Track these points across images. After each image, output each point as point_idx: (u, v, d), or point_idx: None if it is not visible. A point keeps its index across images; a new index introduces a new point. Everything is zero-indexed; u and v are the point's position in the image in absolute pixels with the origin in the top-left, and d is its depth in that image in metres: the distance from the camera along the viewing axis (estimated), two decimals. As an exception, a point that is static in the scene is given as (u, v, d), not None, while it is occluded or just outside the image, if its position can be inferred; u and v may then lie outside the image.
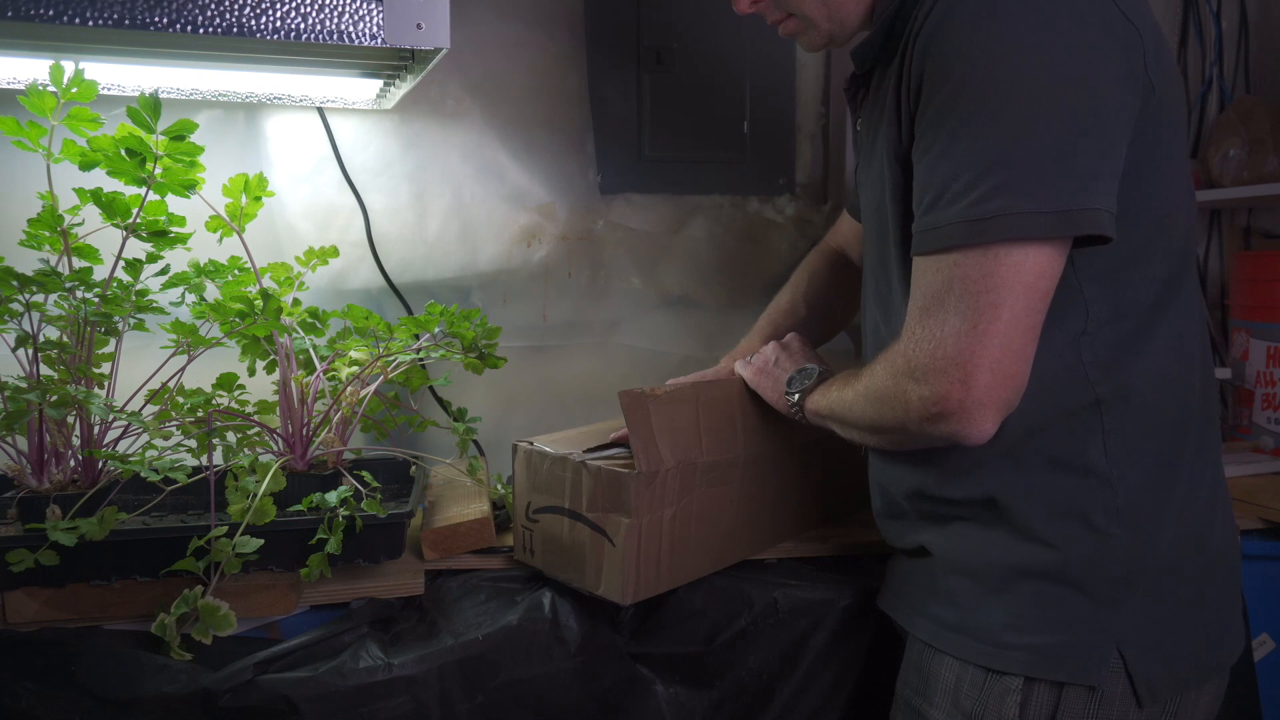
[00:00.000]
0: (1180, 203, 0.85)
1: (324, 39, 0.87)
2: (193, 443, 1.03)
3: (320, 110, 1.35)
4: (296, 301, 1.14)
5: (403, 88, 1.12)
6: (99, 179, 0.96)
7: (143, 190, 0.98)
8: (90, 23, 0.81)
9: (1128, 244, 0.80)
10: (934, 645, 0.91)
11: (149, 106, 0.92)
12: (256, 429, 1.06)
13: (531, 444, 1.06)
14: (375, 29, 0.88)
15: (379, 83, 1.12)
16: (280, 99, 1.24)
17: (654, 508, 0.96)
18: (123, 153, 0.95)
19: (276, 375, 1.09)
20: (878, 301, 0.96)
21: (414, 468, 1.19)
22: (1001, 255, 0.74)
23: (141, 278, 1.05)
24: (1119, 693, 0.83)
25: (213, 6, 0.83)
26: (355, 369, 1.10)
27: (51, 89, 0.92)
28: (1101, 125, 0.75)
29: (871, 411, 0.86)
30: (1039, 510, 0.85)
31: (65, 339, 0.99)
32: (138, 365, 1.05)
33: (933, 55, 0.77)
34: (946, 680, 0.89)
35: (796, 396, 1.00)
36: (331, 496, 0.98)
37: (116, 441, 1.00)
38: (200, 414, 0.99)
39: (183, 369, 1.06)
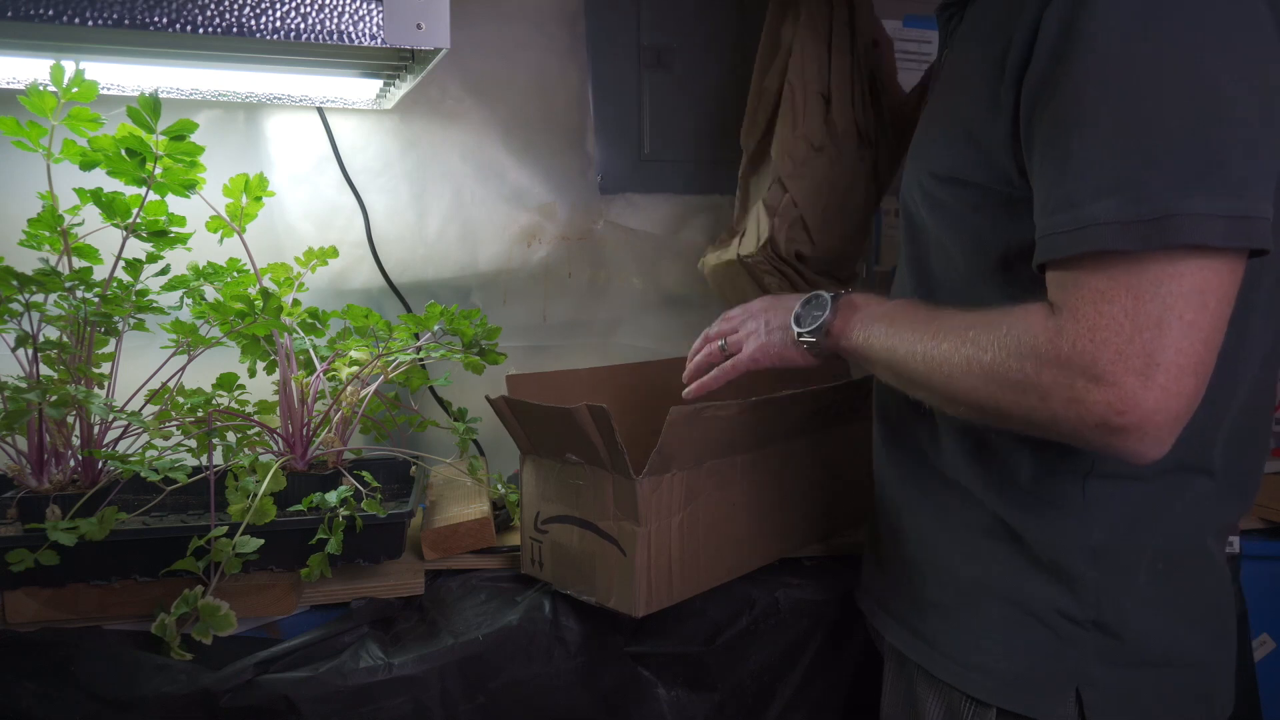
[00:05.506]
0: None
1: (324, 39, 0.87)
2: (193, 443, 1.03)
3: (320, 110, 1.35)
4: (296, 302, 1.14)
5: (403, 88, 1.12)
6: (99, 179, 0.96)
7: (143, 190, 0.98)
8: (90, 23, 0.81)
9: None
10: (914, 660, 0.89)
11: (149, 106, 0.92)
12: (256, 429, 1.06)
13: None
14: (375, 29, 0.88)
15: (379, 83, 1.12)
16: (280, 99, 1.24)
17: (661, 514, 0.95)
18: (123, 153, 0.95)
19: (276, 375, 1.09)
20: (914, 274, 0.88)
21: (414, 468, 1.19)
22: (1172, 262, 0.63)
23: (141, 278, 1.05)
24: None
25: (213, 6, 0.83)
26: (355, 369, 1.10)
27: (52, 89, 0.91)
28: (1266, 122, 0.64)
29: (988, 392, 0.71)
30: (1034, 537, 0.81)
31: (65, 339, 0.99)
32: (138, 365, 1.05)
33: (1057, 17, 0.66)
34: (934, 711, 0.86)
35: (822, 317, 0.86)
36: (331, 496, 0.98)
37: (116, 441, 1.00)
38: (200, 414, 0.99)
39: (183, 369, 1.06)
